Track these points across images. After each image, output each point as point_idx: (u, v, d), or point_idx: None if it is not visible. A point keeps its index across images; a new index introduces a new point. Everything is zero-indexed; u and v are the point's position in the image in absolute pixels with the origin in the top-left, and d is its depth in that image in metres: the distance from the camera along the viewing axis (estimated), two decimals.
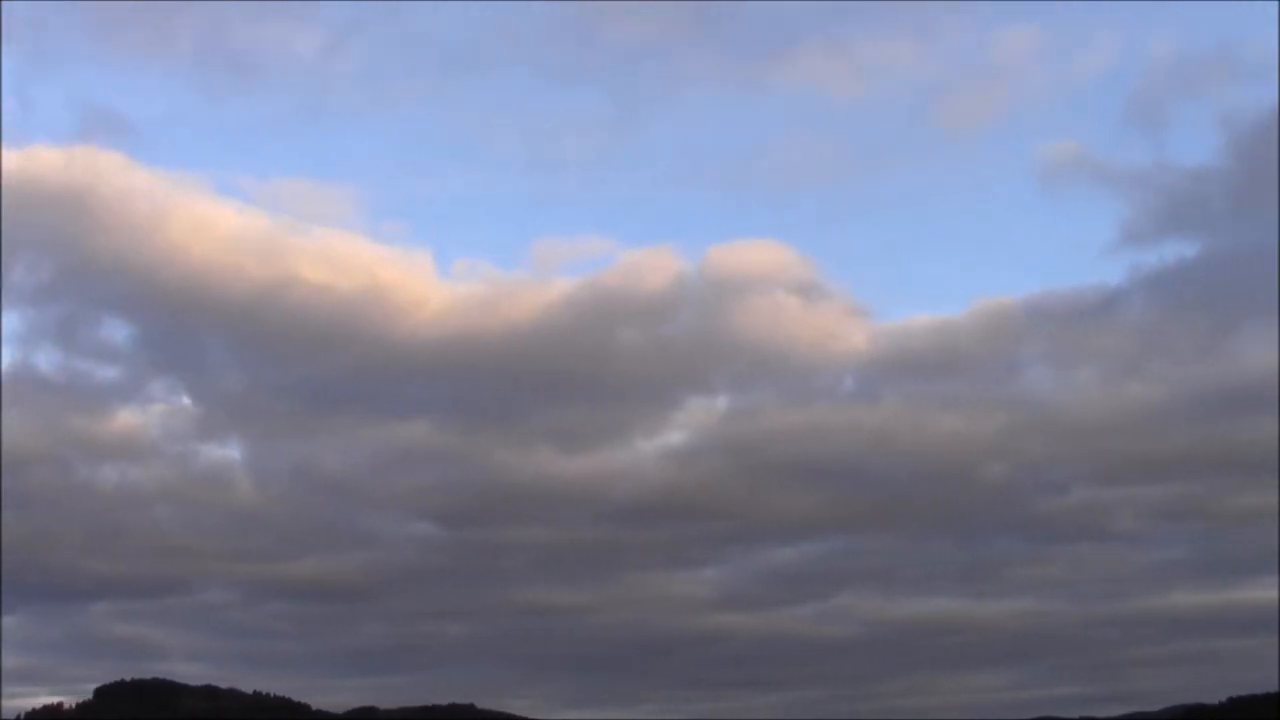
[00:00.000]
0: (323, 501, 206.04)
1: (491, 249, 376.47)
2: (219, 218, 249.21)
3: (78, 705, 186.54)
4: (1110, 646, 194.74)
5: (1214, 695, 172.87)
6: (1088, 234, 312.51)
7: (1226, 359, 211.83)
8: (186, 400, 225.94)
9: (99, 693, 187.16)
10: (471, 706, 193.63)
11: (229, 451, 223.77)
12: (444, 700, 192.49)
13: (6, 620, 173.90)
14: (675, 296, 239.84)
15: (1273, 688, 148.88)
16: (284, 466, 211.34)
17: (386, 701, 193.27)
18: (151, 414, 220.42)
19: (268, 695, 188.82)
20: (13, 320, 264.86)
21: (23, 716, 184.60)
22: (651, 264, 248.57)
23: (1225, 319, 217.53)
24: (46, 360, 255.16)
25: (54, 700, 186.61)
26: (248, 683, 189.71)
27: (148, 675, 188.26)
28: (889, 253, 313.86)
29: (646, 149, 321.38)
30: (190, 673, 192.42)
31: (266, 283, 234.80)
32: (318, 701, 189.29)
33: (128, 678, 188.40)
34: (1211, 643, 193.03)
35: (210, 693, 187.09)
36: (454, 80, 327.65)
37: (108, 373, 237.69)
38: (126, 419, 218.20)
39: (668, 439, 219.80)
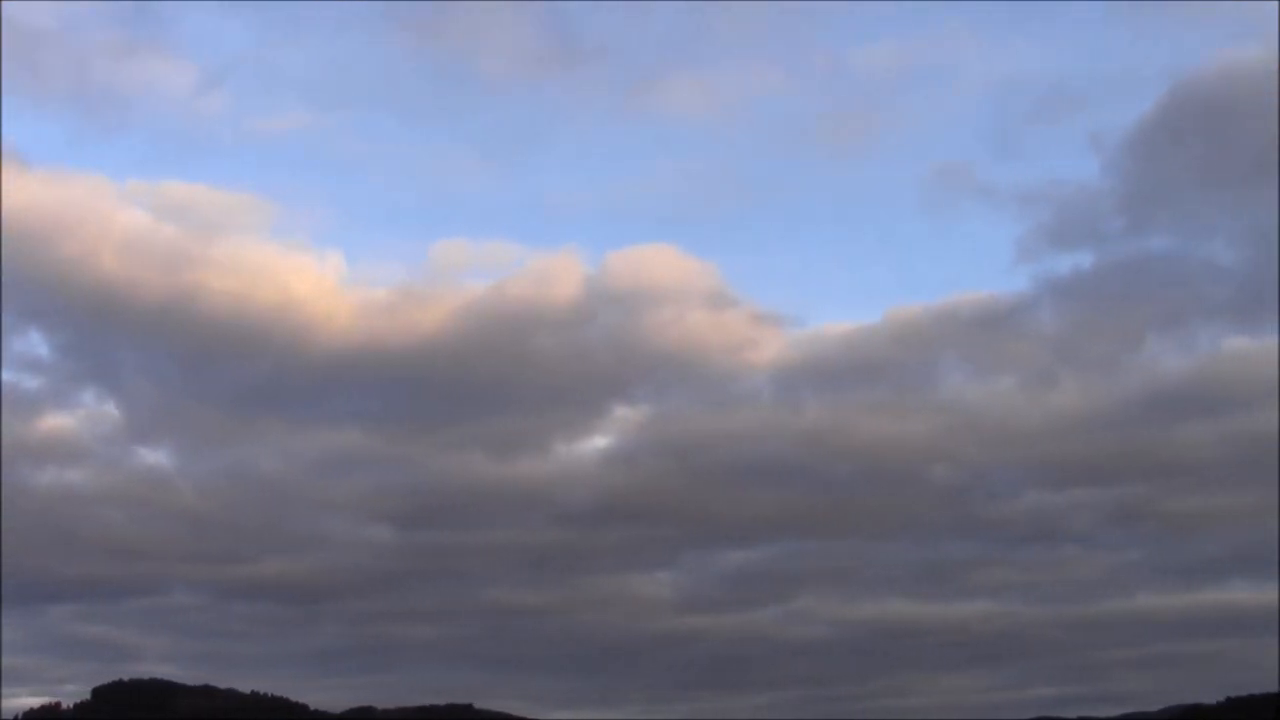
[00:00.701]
0: (268, 506, 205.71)
1: (395, 256, 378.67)
2: (123, 227, 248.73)
3: (75, 705, 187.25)
4: (1078, 648, 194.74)
5: (1178, 697, 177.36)
6: (984, 248, 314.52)
7: (1139, 365, 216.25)
8: (114, 408, 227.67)
9: (96, 692, 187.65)
10: (470, 706, 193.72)
11: (162, 458, 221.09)
12: (441, 700, 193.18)
13: None
14: (586, 302, 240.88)
15: (1260, 688, 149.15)
16: (221, 471, 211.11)
17: (367, 701, 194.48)
18: (81, 421, 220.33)
19: (265, 695, 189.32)
20: None
21: (21, 716, 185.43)
22: (558, 269, 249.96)
23: (1132, 327, 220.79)
24: None
25: (51, 700, 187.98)
26: (224, 681, 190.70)
27: (139, 676, 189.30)
28: (790, 265, 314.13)
29: (528, 177, 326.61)
30: (160, 674, 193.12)
31: (177, 291, 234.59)
32: (315, 701, 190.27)
33: (125, 678, 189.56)
34: (1179, 645, 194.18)
35: (208, 692, 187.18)
36: (328, 116, 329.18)
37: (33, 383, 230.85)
38: (58, 426, 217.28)
39: (601, 444, 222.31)
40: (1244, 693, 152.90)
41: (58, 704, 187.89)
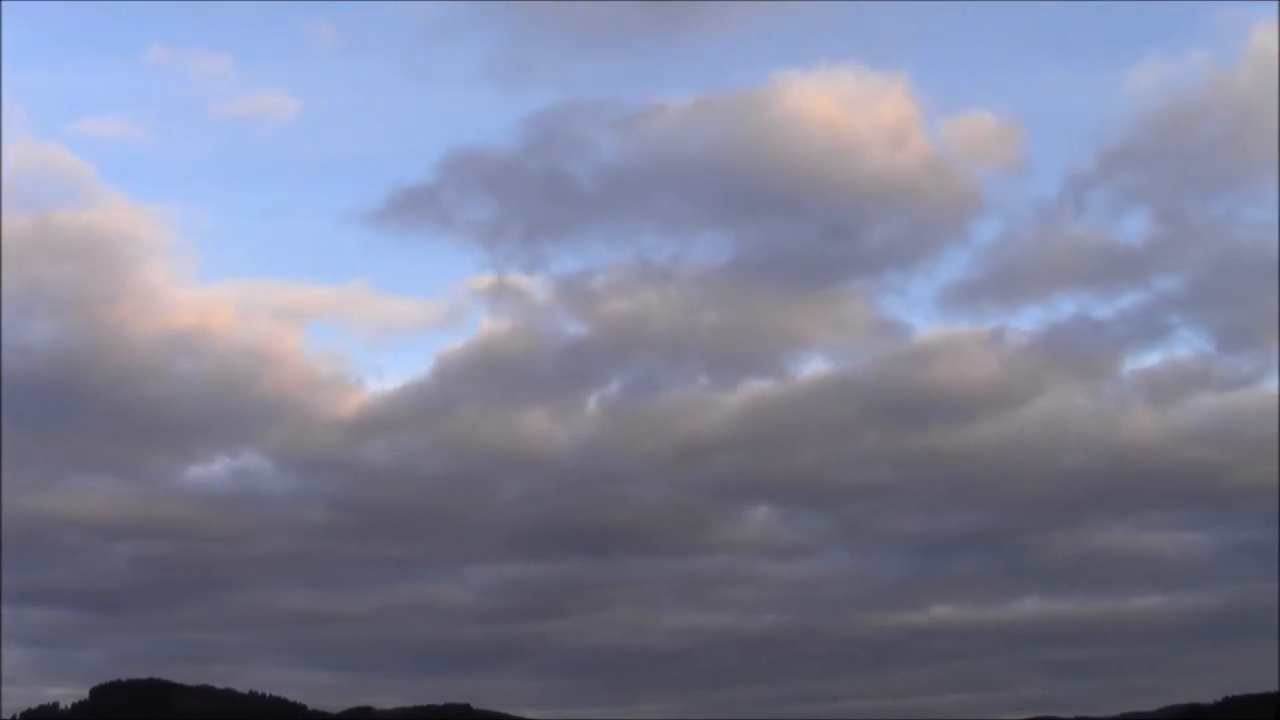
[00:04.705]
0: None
1: None
2: None
3: (73, 705, 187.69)
4: (936, 658, 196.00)
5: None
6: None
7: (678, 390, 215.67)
8: None
9: (94, 692, 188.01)
10: (468, 707, 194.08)
11: None
12: (438, 699, 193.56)
13: None
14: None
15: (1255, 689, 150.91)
16: None
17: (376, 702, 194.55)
18: None
19: (263, 695, 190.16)
20: None
21: (19, 716, 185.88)
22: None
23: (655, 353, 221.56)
24: None
25: (49, 700, 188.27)
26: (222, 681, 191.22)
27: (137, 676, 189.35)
28: None
29: None
30: None
31: None
32: (314, 702, 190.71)
33: (123, 678, 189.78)
34: (1043, 653, 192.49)
35: (205, 693, 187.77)
36: None
37: None
38: None
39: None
40: (1240, 692, 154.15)
41: (55, 704, 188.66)
